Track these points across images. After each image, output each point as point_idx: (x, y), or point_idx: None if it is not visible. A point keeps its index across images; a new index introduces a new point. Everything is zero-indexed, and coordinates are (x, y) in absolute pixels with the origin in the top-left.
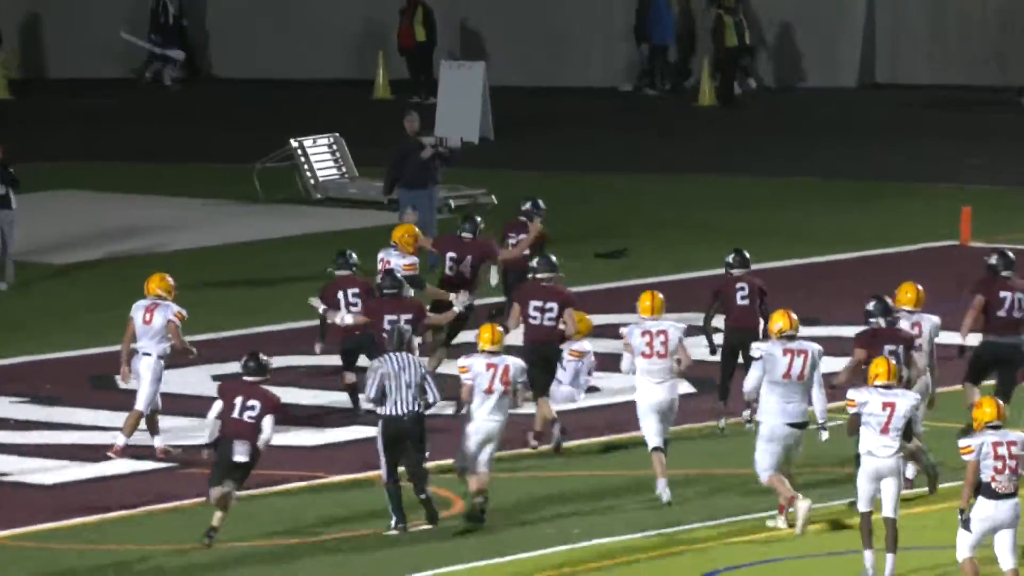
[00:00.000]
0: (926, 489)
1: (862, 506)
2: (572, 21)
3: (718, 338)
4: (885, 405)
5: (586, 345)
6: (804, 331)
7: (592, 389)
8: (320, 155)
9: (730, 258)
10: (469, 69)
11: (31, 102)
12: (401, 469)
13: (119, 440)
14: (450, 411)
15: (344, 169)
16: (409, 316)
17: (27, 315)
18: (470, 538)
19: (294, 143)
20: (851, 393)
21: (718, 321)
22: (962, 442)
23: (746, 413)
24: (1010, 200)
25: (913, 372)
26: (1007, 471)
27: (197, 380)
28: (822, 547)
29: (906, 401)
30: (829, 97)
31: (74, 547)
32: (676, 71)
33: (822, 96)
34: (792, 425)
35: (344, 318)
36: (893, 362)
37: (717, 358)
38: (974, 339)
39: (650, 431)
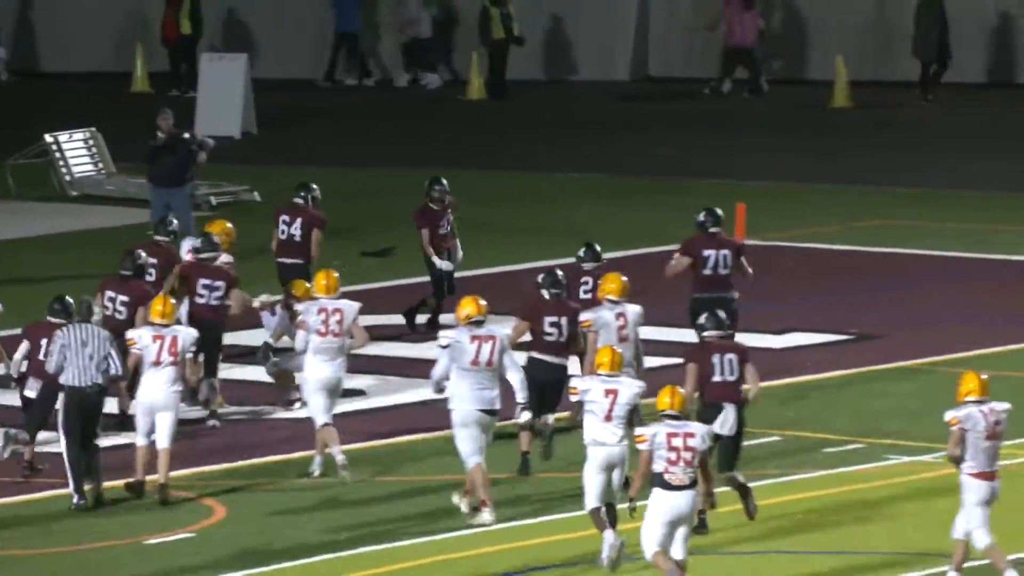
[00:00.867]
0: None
1: (591, 501)
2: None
3: None
4: (607, 392)
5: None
6: None
7: (358, 392)
8: (76, 150)
9: (581, 252)
10: (231, 62)
11: None
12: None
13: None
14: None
15: (101, 165)
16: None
17: None
18: (233, 546)
19: (49, 138)
20: (574, 381)
21: None
22: (638, 431)
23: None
24: (786, 195)
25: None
26: (681, 463)
27: None
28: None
29: (629, 389)
30: (602, 91)
31: None
32: (361, 63)
33: (595, 90)
34: (484, 411)
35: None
36: (619, 351)
37: None
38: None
39: (318, 408)
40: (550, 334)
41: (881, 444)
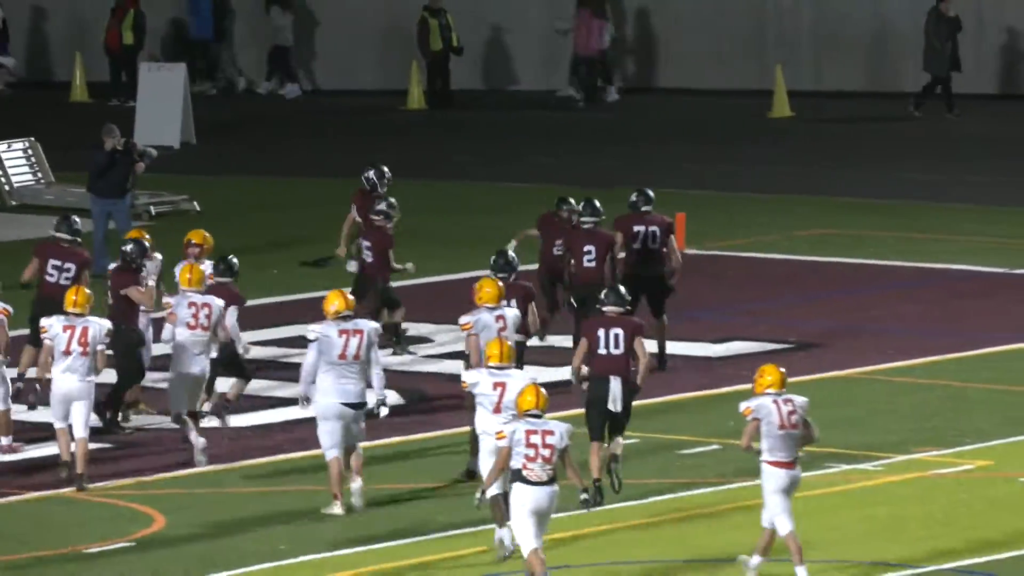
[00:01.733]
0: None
1: (491, 491)
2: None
3: None
4: (496, 385)
5: None
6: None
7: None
8: (15, 160)
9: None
10: (170, 71)
11: None
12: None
13: None
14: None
15: (40, 175)
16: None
17: None
18: (174, 555)
19: None
20: (465, 375)
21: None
22: (497, 428)
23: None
24: (725, 205)
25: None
26: (539, 460)
27: None
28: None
29: (517, 382)
30: (543, 101)
31: None
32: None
33: (536, 100)
34: (347, 405)
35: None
36: (509, 344)
37: None
38: None
39: (179, 401)
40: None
41: (820, 452)
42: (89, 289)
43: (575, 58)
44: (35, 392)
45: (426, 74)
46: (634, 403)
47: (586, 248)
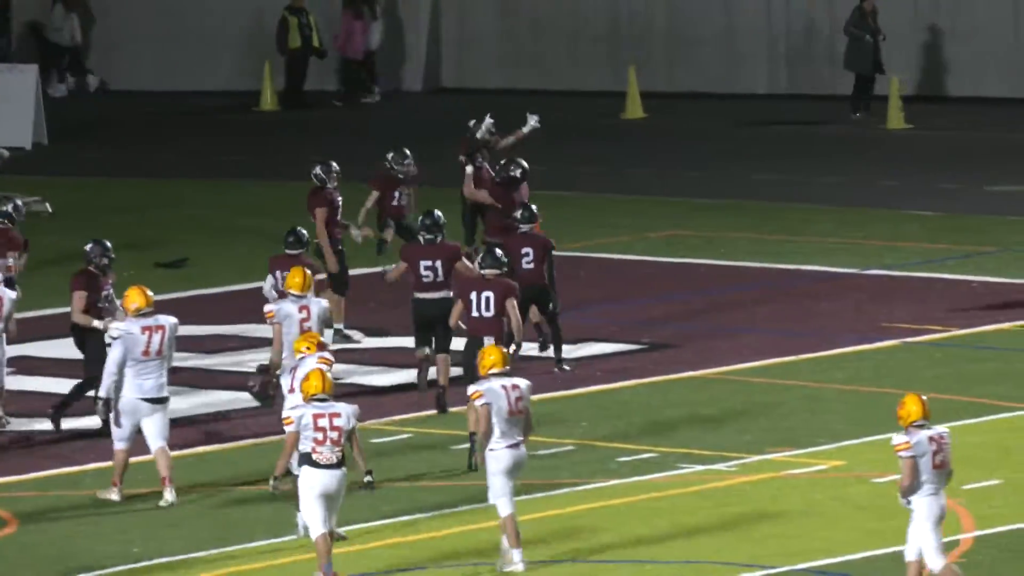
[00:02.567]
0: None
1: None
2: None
3: None
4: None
5: None
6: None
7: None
8: None
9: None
10: (21, 72)
11: None
12: None
13: None
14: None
15: None
16: None
17: None
18: (27, 558)
19: None
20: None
21: None
22: (284, 413)
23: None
24: (578, 205)
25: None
26: (328, 442)
27: None
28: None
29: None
30: (395, 102)
31: None
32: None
33: (389, 101)
34: (144, 400)
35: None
36: (311, 323)
37: None
38: None
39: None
40: (426, 276)
41: (674, 453)
42: None
43: (340, 60)
44: None
45: (284, 73)
46: None
47: (524, 251)
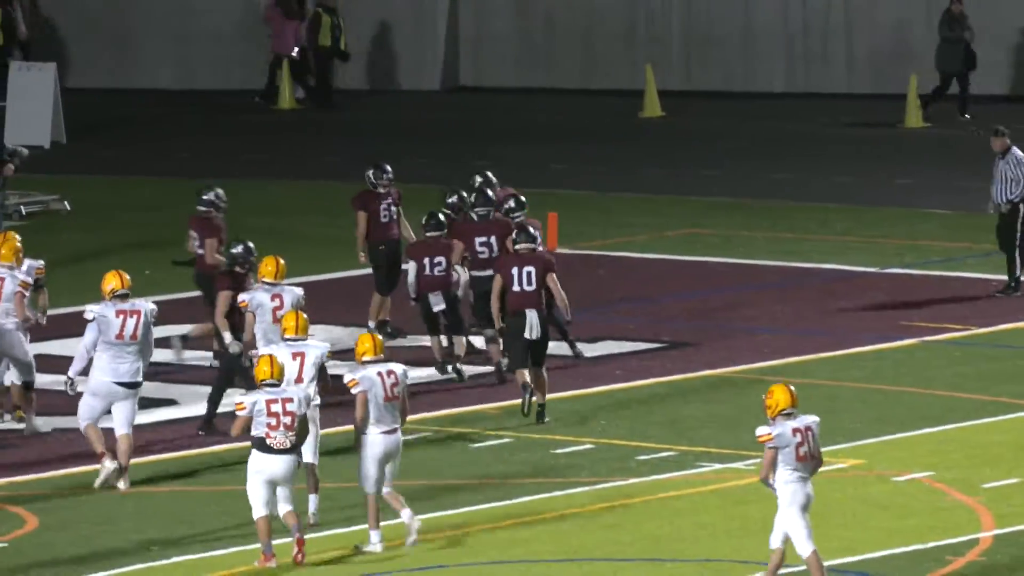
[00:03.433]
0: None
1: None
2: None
3: None
4: (295, 355)
5: None
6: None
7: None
8: None
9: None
10: (39, 71)
11: None
12: None
13: None
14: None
15: None
16: None
17: None
18: (47, 556)
19: None
20: (262, 349)
21: None
22: (236, 399)
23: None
24: (597, 204)
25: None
26: (281, 427)
27: None
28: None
29: (316, 350)
30: (414, 100)
31: None
32: None
33: (408, 99)
34: (120, 384)
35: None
36: (304, 317)
37: None
38: None
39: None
40: (481, 252)
41: (692, 452)
42: None
43: (276, 58)
44: None
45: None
46: (508, 403)
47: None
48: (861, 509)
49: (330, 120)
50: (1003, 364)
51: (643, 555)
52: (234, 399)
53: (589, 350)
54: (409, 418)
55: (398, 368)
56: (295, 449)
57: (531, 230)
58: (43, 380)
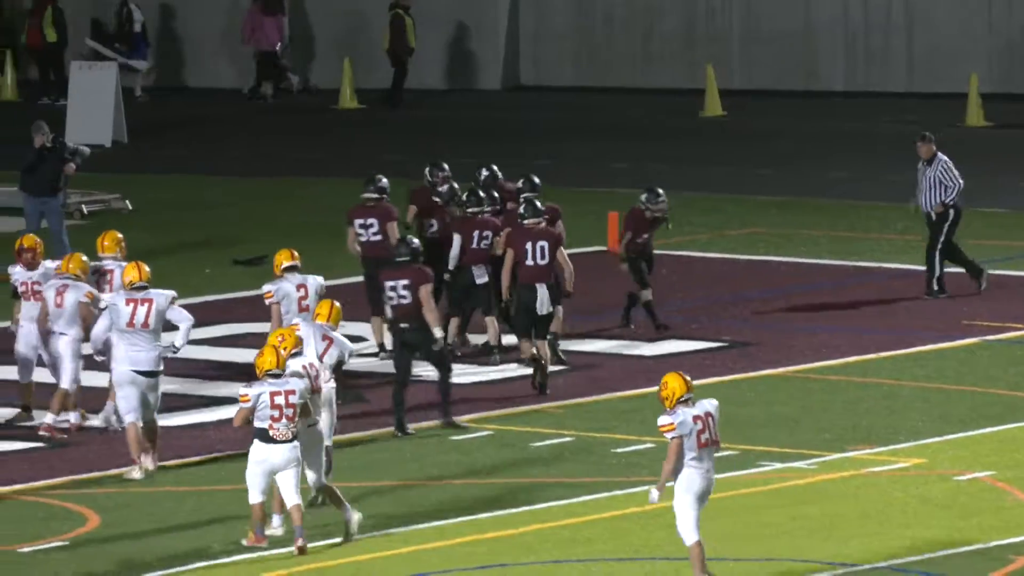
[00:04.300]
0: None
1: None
2: (201, 23)
3: None
4: (324, 337)
5: None
6: None
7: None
8: None
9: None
10: (101, 70)
11: None
12: None
13: (47, 418)
14: None
15: None
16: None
17: None
18: (107, 555)
19: None
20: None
21: None
22: (240, 390)
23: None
24: None
25: None
26: (284, 419)
27: None
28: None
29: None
30: (475, 100)
31: None
32: None
33: (469, 99)
34: (138, 372)
35: None
36: (337, 305)
37: None
38: None
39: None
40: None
41: (754, 450)
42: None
43: (257, 55)
44: None
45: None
46: (569, 402)
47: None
48: (923, 508)
49: (391, 119)
50: None
51: (705, 554)
52: (238, 390)
53: (649, 349)
54: (467, 417)
55: (299, 385)
56: (296, 438)
57: (538, 204)
58: (98, 379)
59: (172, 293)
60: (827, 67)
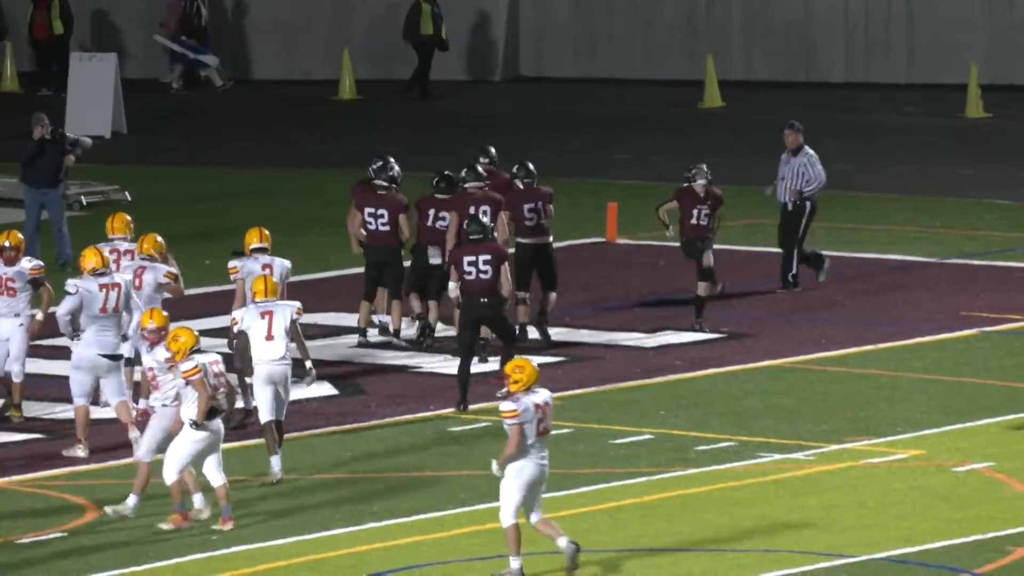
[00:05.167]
0: None
1: (265, 415)
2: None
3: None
4: (263, 314)
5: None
6: None
7: None
8: None
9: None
10: (100, 61)
11: None
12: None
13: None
14: None
15: None
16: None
17: None
18: (106, 545)
19: None
20: (234, 314)
21: None
22: (182, 366)
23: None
24: (656, 195)
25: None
26: (221, 389)
27: None
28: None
29: (284, 310)
30: (475, 90)
31: None
32: None
33: (469, 89)
34: (104, 356)
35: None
36: (272, 278)
37: None
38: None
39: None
40: (529, 219)
41: (752, 442)
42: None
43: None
44: None
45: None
46: (568, 393)
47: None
48: (921, 499)
49: (390, 110)
50: None
51: (702, 545)
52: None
53: (649, 340)
54: (469, 408)
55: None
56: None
57: (479, 170)
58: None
59: (128, 277)
60: (827, 58)
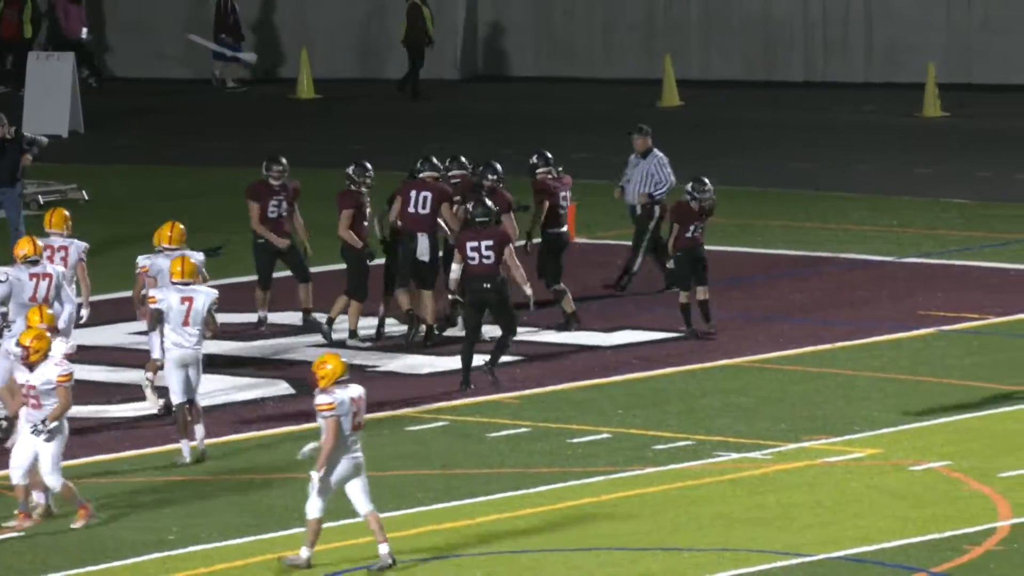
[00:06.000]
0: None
1: (176, 397)
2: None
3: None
4: (183, 300)
5: None
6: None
7: None
8: None
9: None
10: (58, 60)
11: None
12: None
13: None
14: None
15: None
16: None
17: None
18: (62, 545)
19: None
20: (152, 292)
21: None
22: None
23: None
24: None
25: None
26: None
27: None
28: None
29: (204, 296)
30: (432, 89)
31: None
32: None
33: (426, 88)
34: None
35: None
36: (193, 260)
37: None
38: None
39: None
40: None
41: (710, 441)
42: None
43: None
44: None
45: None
46: (526, 392)
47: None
48: (878, 498)
49: (349, 111)
50: (1020, 353)
51: (660, 544)
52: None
53: (606, 339)
54: (427, 407)
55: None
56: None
57: (434, 160)
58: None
59: (63, 269)
60: (786, 58)
